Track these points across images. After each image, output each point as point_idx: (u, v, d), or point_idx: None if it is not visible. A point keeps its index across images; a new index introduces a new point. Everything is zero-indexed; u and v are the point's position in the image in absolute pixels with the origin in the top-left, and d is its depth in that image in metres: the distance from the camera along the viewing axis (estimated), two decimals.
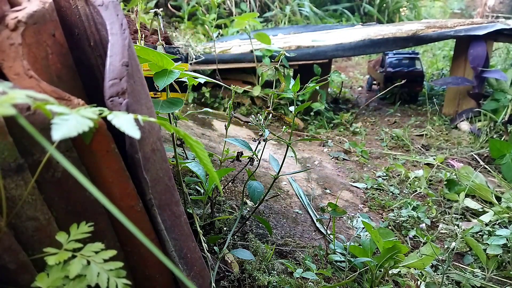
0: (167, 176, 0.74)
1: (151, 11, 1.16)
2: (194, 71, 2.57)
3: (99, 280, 0.53)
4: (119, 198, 0.64)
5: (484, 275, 1.39)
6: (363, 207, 1.90)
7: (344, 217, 1.75)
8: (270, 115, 1.23)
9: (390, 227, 1.71)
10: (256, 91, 2.91)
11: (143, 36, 2.17)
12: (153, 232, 0.71)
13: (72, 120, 0.44)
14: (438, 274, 1.36)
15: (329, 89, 3.65)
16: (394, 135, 2.78)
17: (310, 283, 1.19)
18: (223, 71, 3.02)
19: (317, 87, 2.97)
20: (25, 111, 0.52)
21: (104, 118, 0.50)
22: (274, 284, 1.14)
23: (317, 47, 2.97)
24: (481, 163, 2.38)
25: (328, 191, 2.00)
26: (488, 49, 2.93)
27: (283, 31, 4.06)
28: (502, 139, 2.55)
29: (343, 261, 1.31)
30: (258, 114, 1.24)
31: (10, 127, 0.52)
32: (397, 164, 2.28)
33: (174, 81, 0.96)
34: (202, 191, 1.39)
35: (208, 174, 0.61)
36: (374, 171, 2.32)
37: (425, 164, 2.38)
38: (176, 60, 0.95)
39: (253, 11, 4.88)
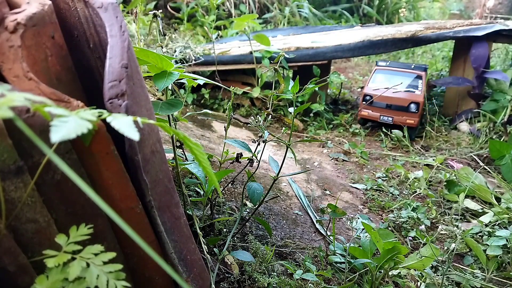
0: (167, 177, 0.74)
1: (150, 12, 1.16)
2: (194, 72, 2.57)
3: (98, 282, 0.53)
4: (118, 200, 0.64)
5: (484, 276, 1.39)
6: (363, 208, 1.90)
7: (344, 218, 1.74)
8: (270, 116, 1.23)
9: (390, 228, 1.71)
10: (256, 92, 2.91)
11: None
12: (152, 234, 0.71)
13: (71, 122, 0.44)
14: (438, 275, 1.36)
15: (328, 90, 3.65)
16: (393, 136, 2.78)
17: (310, 284, 1.19)
18: (223, 72, 3.02)
19: (317, 88, 2.97)
20: (24, 113, 0.52)
21: (104, 120, 0.50)
22: (274, 285, 1.14)
23: (317, 48, 2.97)
24: (481, 163, 2.38)
25: (328, 192, 2.00)
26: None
27: (282, 33, 4.06)
28: (502, 140, 2.55)
29: (343, 262, 1.31)
30: (258, 115, 1.24)
31: (10, 129, 0.52)
32: (397, 165, 2.28)
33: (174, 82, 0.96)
34: (201, 192, 1.39)
35: (208, 176, 0.61)
36: (374, 172, 2.31)
37: (424, 165, 2.38)
38: None
39: (252, 12, 4.88)
